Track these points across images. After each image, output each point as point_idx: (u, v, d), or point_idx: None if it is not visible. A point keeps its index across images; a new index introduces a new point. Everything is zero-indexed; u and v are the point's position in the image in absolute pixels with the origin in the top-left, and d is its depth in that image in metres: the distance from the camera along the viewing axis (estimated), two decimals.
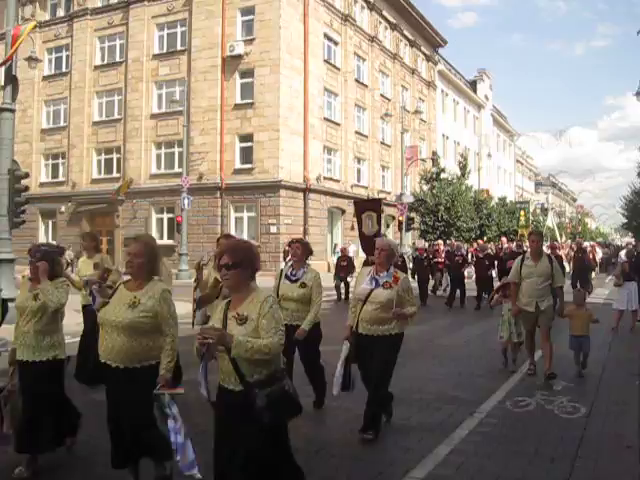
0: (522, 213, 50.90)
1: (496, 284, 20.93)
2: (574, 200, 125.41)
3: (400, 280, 6.44)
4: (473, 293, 19.93)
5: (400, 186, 40.37)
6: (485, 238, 39.40)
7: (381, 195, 43.29)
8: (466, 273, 24.26)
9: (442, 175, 42.17)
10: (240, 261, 4.09)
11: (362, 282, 6.63)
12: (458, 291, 19.94)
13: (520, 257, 9.58)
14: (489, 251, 22.23)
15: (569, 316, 9.49)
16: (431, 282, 22.98)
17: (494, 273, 20.75)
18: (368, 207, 15.19)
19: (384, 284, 6.40)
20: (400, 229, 36.37)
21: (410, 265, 24.01)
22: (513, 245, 24.17)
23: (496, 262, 20.41)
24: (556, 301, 9.55)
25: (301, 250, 7.52)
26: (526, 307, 9.13)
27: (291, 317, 7.10)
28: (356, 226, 15.69)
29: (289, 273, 7.46)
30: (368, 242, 14.17)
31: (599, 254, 37.18)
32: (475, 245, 28.54)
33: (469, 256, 24.42)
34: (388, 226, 38.20)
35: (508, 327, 9.89)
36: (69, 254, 35.47)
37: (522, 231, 46.54)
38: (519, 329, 9.80)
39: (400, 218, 36.08)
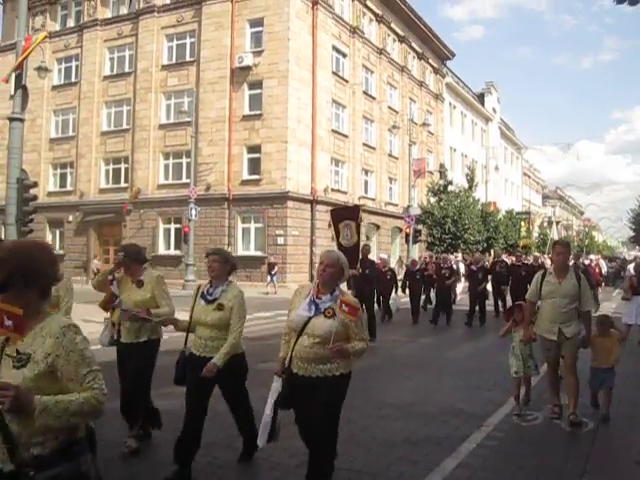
0: (523, 224, 50.37)
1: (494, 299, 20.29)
2: (581, 213, 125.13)
3: (349, 306, 4.79)
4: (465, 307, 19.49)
5: (407, 198, 40.37)
6: (492, 251, 39.28)
7: (388, 207, 43.42)
8: (460, 287, 23.75)
9: (449, 188, 42.14)
10: (9, 277, 2.67)
11: (299, 306, 5.03)
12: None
13: (541, 272, 7.93)
14: (485, 264, 20.65)
15: (591, 345, 7.75)
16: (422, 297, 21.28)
17: (489, 287, 19.91)
18: (346, 216, 14.24)
19: (326, 311, 4.83)
20: (407, 241, 36.32)
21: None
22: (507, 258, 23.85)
23: (490, 276, 19.58)
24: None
25: (219, 263, 5.86)
26: (547, 334, 7.49)
27: (204, 347, 5.73)
28: (334, 236, 14.87)
29: (205, 291, 5.87)
30: (346, 254, 13.91)
31: (604, 268, 36.47)
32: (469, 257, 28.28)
33: (462, 269, 23.66)
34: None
35: (521, 360, 8.03)
36: (96, 263, 35.51)
37: (524, 243, 46.42)
38: (535, 361, 8.10)
39: (407, 230, 36.03)
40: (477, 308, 18.41)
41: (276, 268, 31.00)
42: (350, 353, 4.90)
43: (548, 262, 22.04)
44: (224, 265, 5.90)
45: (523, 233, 48.82)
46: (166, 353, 11.18)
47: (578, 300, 7.41)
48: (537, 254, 20.44)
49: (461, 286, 24.19)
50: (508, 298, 19.15)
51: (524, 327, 7.81)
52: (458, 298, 22.97)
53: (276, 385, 5.16)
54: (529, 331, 7.75)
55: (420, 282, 19.86)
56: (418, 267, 20.50)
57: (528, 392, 8.19)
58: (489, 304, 19.60)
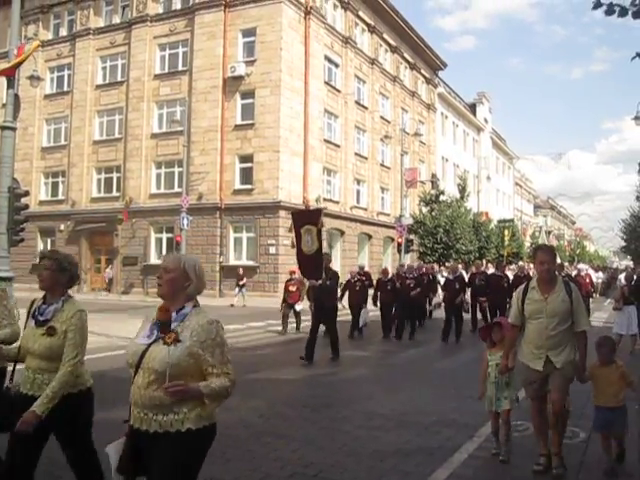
0: (506, 232, 47.76)
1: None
2: (573, 223, 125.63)
3: (199, 326, 3.43)
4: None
5: (399, 208, 40.41)
6: (484, 260, 39.32)
7: (380, 217, 43.45)
8: (437, 298, 22.42)
9: (441, 197, 42.23)
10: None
11: (141, 331, 3.67)
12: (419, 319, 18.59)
13: (523, 286, 6.24)
14: (460, 273, 19.52)
15: (592, 377, 6.07)
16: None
17: (468, 298, 18.82)
18: (307, 220, 13.06)
19: (167, 336, 3.37)
20: (399, 251, 36.34)
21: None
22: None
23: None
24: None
25: (51, 271, 4.38)
26: (531, 363, 5.98)
27: (31, 383, 4.27)
28: (294, 242, 13.83)
29: (37, 309, 4.39)
30: (307, 263, 12.98)
31: (594, 278, 35.99)
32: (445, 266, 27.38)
33: (440, 279, 22.58)
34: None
35: (494, 390, 6.47)
36: (108, 272, 35.34)
37: (508, 251, 45.29)
38: (514, 392, 6.52)
39: (399, 240, 36.06)
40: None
41: (244, 279, 29.16)
42: (199, 395, 3.35)
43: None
44: (58, 275, 4.38)
45: (507, 242, 47.02)
46: None
47: (570, 319, 5.88)
48: (522, 263, 18.66)
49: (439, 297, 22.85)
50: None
51: (504, 356, 6.26)
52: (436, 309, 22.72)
53: (114, 446, 3.54)
54: (505, 361, 6.23)
55: (392, 293, 17.70)
56: (390, 277, 18.42)
57: (507, 431, 6.55)
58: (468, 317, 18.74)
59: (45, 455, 4.34)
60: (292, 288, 18.56)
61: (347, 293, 17.97)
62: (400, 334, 17.04)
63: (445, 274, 27.62)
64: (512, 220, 54.95)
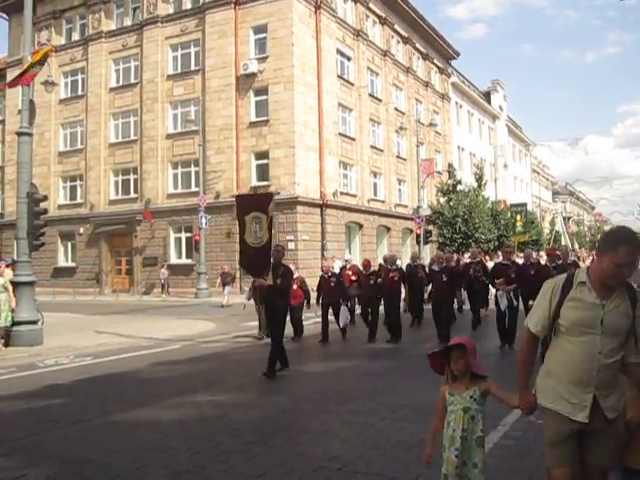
0: (518, 218, 44.27)
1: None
2: (592, 208, 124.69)
3: None
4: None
5: (417, 199, 40.30)
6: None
7: (398, 209, 43.35)
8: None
9: (459, 187, 42.06)
10: None
11: None
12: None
13: (562, 278, 3.87)
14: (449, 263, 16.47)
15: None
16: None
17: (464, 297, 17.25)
18: (255, 206, 11.05)
19: None
20: (418, 242, 36.27)
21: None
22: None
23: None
24: None
25: None
26: (565, 409, 3.73)
27: None
28: (238, 231, 11.49)
29: None
30: (253, 258, 10.96)
31: None
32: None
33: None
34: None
35: (457, 451, 4.24)
36: (163, 273, 35.40)
37: (518, 239, 42.27)
38: (482, 470, 4.22)
39: (418, 231, 35.98)
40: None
41: (231, 277, 28.08)
42: None
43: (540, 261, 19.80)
44: None
45: (519, 228, 43.72)
46: (175, 363, 11.18)
47: (628, 342, 3.66)
48: (529, 250, 16.51)
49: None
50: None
51: (520, 388, 4.05)
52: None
53: None
54: (527, 397, 4.01)
55: (376, 289, 15.22)
56: (371, 270, 16.23)
57: None
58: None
59: (74, 454, 4.37)
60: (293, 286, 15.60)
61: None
62: (373, 335, 14.90)
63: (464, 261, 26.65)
64: (525, 205, 50.76)
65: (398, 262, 16.37)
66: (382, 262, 17.12)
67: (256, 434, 7.11)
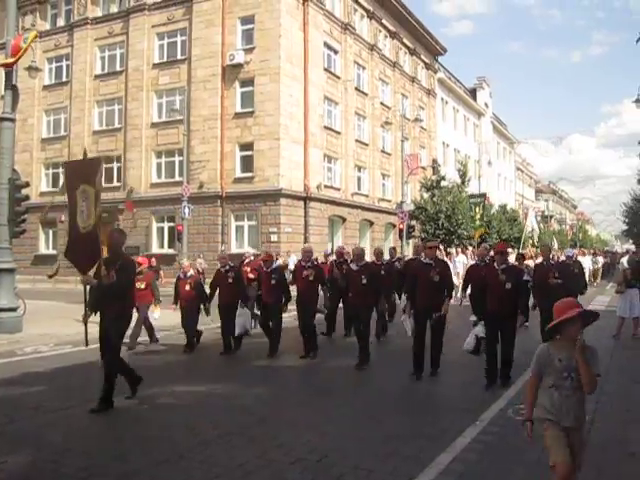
0: (476, 210, 39.58)
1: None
2: (574, 207, 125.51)
3: None
4: None
5: (400, 194, 40.37)
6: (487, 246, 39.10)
7: (382, 204, 43.41)
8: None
9: (442, 183, 42.14)
10: None
11: None
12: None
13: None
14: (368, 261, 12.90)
15: None
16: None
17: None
18: (85, 176, 8.34)
19: None
20: (401, 237, 36.34)
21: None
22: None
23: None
24: None
25: None
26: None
27: None
28: (69, 212, 8.82)
29: None
30: (81, 244, 8.40)
31: (587, 262, 32.70)
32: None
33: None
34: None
35: None
36: (200, 262, 34.98)
37: (476, 233, 38.29)
38: None
39: (401, 226, 36.05)
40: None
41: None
42: None
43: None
44: None
45: (477, 222, 38.85)
46: (155, 352, 11.15)
47: None
48: (485, 245, 15.39)
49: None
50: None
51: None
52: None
53: None
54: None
55: (279, 290, 12.26)
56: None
57: None
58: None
59: (53, 442, 4.33)
60: (140, 285, 13.20)
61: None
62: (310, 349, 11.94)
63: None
64: (484, 195, 45.14)
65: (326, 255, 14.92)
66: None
67: (235, 425, 7.12)
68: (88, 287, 8.36)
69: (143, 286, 13.35)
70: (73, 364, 11.10)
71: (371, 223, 42.75)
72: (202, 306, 12.85)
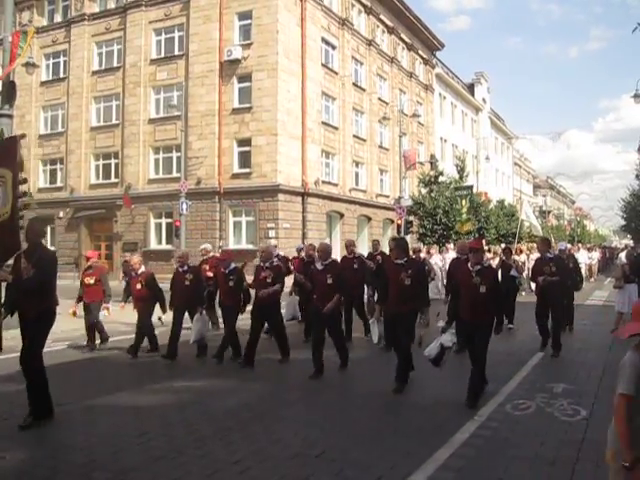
0: (463, 203, 37.56)
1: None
2: (572, 202, 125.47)
3: None
4: None
5: (398, 189, 40.35)
6: (484, 242, 39.11)
7: (380, 199, 43.41)
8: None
9: (440, 178, 42.11)
10: None
11: None
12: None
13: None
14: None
15: None
16: None
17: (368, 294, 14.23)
18: (2, 160, 7.52)
19: None
20: (399, 233, 36.29)
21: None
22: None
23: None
24: None
25: None
26: None
27: None
28: None
29: None
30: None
31: (583, 257, 31.49)
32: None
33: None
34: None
35: None
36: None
37: (461, 228, 36.24)
38: None
39: (398, 222, 36.02)
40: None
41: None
42: None
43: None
44: None
45: (464, 216, 36.84)
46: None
47: None
48: (463, 241, 14.76)
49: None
50: None
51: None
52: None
53: None
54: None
55: (237, 292, 11.28)
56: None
57: None
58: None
59: (50, 438, 4.35)
60: (89, 280, 12.51)
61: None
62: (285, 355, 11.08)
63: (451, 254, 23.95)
64: (471, 187, 42.15)
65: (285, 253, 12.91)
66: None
67: (233, 420, 7.13)
68: (4, 284, 7.55)
69: (92, 281, 12.41)
70: (70, 361, 11.11)
71: (369, 219, 42.74)
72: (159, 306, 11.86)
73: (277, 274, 10.84)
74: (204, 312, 11.57)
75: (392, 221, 41.53)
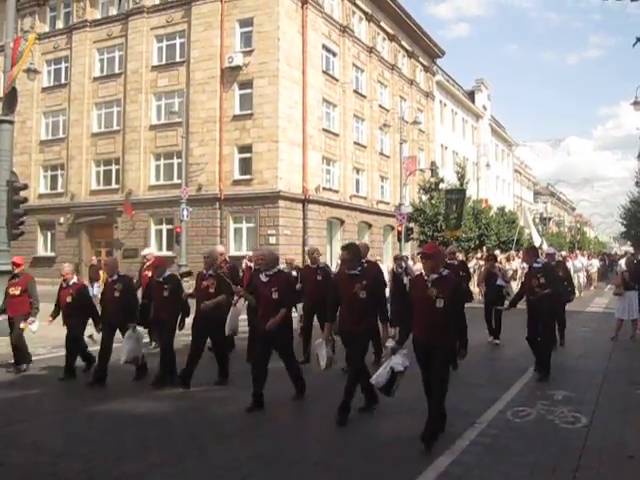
0: (454, 208, 35.57)
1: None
2: (573, 209, 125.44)
3: None
4: None
5: (399, 196, 40.36)
6: (484, 248, 39.16)
7: (380, 206, 43.44)
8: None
9: (441, 185, 42.12)
10: None
11: None
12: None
13: None
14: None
15: None
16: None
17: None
18: None
19: None
20: (399, 240, 36.28)
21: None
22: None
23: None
24: None
25: None
26: None
27: None
28: None
29: None
30: None
31: (579, 264, 30.76)
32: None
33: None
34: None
35: None
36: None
37: (451, 235, 34.66)
38: None
39: (399, 229, 36.01)
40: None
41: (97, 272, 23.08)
42: None
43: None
44: None
45: (453, 221, 35.25)
46: (154, 355, 11.10)
47: None
48: (452, 247, 14.28)
49: None
50: None
51: None
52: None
53: None
54: None
55: (176, 303, 10.07)
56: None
57: None
58: None
59: (51, 444, 4.35)
60: (14, 290, 11.07)
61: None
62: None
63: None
64: (464, 191, 38.63)
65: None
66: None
67: (233, 427, 7.13)
68: None
69: (18, 292, 10.89)
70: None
71: (369, 225, 42.74)
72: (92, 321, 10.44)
73: (220, 283, 9.54)
74: (137, 328, 9.81)
75: (393, 228, 41.55)
